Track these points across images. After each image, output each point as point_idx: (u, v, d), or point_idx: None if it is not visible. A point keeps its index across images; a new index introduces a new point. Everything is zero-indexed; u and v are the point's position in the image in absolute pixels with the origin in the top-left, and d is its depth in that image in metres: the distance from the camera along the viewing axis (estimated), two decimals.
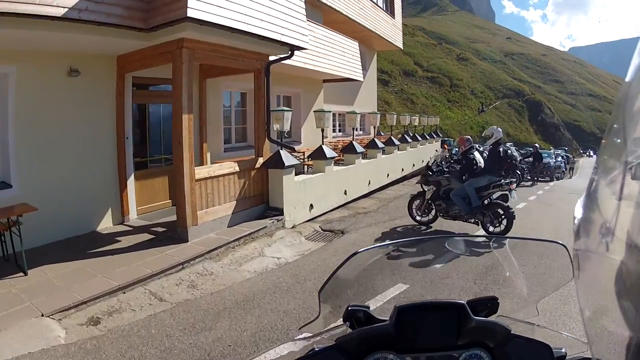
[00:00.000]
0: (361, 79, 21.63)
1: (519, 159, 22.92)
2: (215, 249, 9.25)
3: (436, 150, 25.17)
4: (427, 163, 12.31)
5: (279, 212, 11.56)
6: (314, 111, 13.95)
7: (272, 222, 11.05)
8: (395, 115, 22.69)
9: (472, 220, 10.96)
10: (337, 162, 15.89)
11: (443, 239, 2.81)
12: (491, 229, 10.30)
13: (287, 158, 11.59)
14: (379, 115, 20.63)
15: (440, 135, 34.59)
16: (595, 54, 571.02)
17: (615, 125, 1.07)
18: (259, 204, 11.58)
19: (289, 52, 11.79)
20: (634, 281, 0.95)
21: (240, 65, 11.02)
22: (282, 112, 11.50)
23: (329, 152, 13.60)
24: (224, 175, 10.53)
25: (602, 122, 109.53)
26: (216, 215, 10.28)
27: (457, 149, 12.04)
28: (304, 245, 10.41)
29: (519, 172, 21.85)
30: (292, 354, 2.21)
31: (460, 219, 11.24)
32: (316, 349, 1.79)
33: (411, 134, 25.06)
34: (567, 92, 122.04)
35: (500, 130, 11.61)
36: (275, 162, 11.53)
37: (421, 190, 12.10)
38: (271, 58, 11.77)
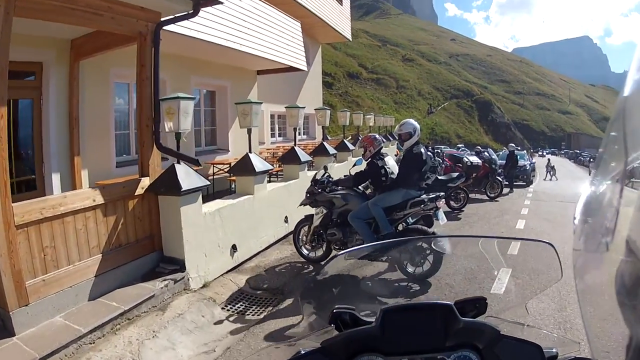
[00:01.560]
0: (304, 68, 17.56)
1: (498, 163, 19.42)
2: (57, 351, 5.01)
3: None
4: (314, 175, 8.87)
5: (179, 265, 7.14)
6: (236, 103, 9.54)
7: (167, 283, 6.69)
8: (348, 113, 18.19)
9: (383, 258, 6.69)
10: (275, 176, 12.61)
11: (429, 239, 3.47)
12: (411, 269, 5.66)
13: (187, 177, 7.19)
14: (328, 112, 15.69)
15: (396, 138, 31.21)
16: (539, 54, 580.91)
17: (613, 133, 1.13)
18: (147, 253, 7.16)
19: (192, 10, 7.51)
20: (633, 282, 0.98)
21: (110, 26, 6.85)
22: (176, 102, 7.06)
23: (259, 164, 9.30)
24: (74, 212, 6.08)
25: (551, 120, 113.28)
26: (65, 284, 5.88)
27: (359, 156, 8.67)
28: (217, 330, 6.19)
29: (500, 179, 18.59)
30: (277, 358, 1.89)
31: None
32: (302, 352, 1.70)
33: None
34: (514, 91, 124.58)
35: (418, 126, 8.24)
36: (168, 184, 7.09)
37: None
38: (164, 18, 7.51)
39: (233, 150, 14.94)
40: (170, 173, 7.09)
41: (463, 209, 14.51)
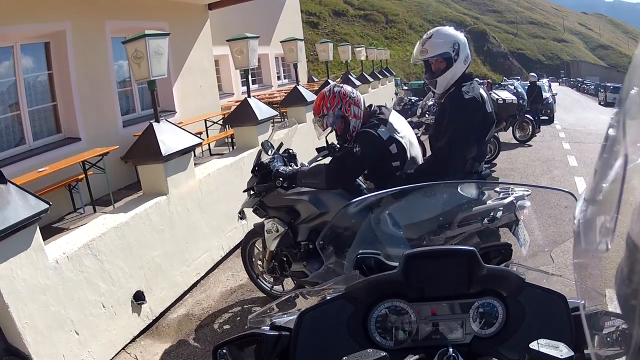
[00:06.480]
0: None
1: (525, 97, 15.60)
2: None
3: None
4: (257, 156, 4.65)
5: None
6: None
7: None
8: (330, 44, 14.27)
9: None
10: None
11: (455, 184, 2.79)
12: None
13: None
14: (300, 43, 10.96)
15: (394, 74, 27.89)
16: None
17: (615, 121, 0.92)
18: None
19: None
20: (634, 281, 0.89)
21: None
22: None
23: (171, 139, 5.37)
24: None
25: (546, 48, 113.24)
26: None
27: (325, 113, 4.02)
28: None
29: (530, 118, 14.59)
30: (304, 304, 1.80)
31: None
32: (328, 298, 1.73)
33: (354, 76, 17.15)
34: (507, 21, 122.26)
35: (464, 39, 3.95)
36: None
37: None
38: None
39: (181, 111, 11.60)
40: None
41: (495, 162, 10.89)
